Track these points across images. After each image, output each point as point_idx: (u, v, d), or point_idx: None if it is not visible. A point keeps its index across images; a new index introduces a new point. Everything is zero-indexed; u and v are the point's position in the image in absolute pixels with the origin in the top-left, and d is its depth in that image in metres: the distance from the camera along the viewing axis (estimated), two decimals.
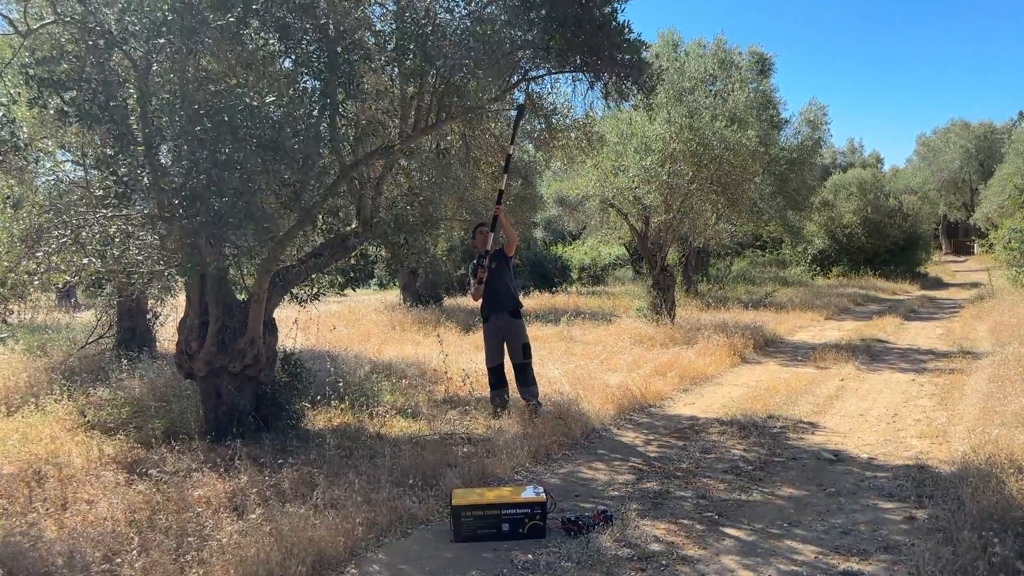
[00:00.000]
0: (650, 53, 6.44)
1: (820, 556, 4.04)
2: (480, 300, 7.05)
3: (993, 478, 4.71)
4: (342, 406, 6.62)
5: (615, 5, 5.61)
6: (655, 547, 4.16)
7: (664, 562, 3.98)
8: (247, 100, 4.55)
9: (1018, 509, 4.23)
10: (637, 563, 3.96)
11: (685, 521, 4.58)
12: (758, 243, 30.55)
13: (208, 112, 4.47)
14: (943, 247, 49.62)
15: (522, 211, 15.17)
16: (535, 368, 7.15)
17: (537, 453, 5.89)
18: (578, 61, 5.76)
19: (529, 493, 4.48)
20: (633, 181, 12.26)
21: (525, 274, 23.46)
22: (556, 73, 6.11)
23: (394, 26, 5.34)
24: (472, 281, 7.02)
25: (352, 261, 7.18)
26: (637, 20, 5.93)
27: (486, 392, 7.98)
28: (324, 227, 6.35)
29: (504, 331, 6.96)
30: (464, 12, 5.34)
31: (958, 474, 5.10)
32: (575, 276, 26.69)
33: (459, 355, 9.46)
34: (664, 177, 11.98)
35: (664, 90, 12.34)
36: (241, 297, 6.02)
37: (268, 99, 4.66)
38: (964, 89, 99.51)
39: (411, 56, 5.14)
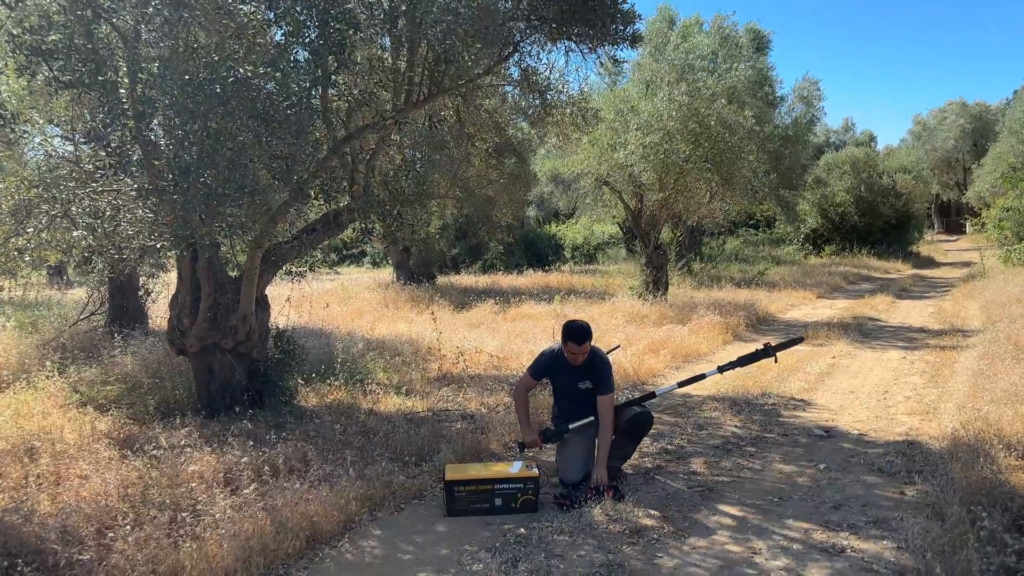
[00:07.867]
0: (643, 24, 6.37)
1: (810, 531, 4.07)
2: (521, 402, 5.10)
3: (982, 454, 4.76)
4: (336, 383, 6.62)
5: None
6: (647, 522, 4.19)
7: (655, 536, 4.01)
8: (238, 71, 4.48)
9: (1006, 484, 4.28)
10: (629, 537, 3.99)
11: (677, 496, 4.61)
12: (751, 222, 30.55)
13: (199, 84, 4.41)
14: (935, 226, 49.69)
15: (515, 189, 15.09)
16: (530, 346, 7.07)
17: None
18: (573, 31, 5.69)
19: (520, 468, 4.50)
20: (631, 158, 12.17)
21: (519, 252, 23.42)
22: (550, 42, 6.02)
23: None
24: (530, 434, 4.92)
25: (347, 239, 7.09)
26: None
27: (480, 370, 7.99)
28: (317, 201, 6.28)
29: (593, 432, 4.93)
30: None
31: (948, 450, 5.15)
32: (568, 255, 26.65)
33: (452, 333, 9.45)
34: (662, 155, 11.92)
35: (663, 68, 12.25)
36: (233, 274, 5.98)
37: (260, 70, 4.58)
38: (960, 69, 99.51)
39: (401, 21, 5.05)
